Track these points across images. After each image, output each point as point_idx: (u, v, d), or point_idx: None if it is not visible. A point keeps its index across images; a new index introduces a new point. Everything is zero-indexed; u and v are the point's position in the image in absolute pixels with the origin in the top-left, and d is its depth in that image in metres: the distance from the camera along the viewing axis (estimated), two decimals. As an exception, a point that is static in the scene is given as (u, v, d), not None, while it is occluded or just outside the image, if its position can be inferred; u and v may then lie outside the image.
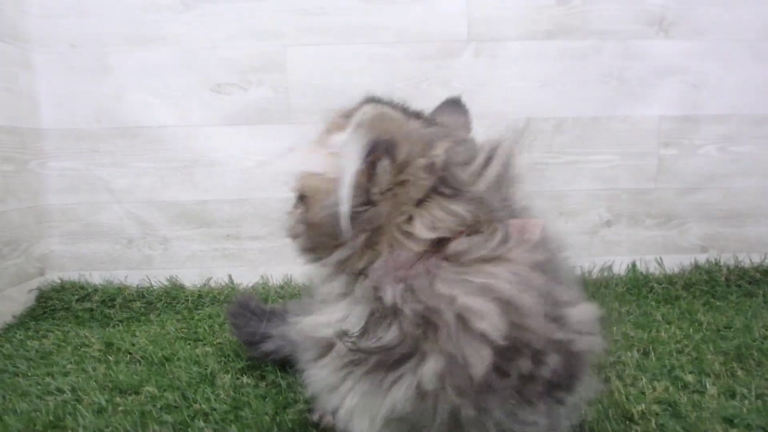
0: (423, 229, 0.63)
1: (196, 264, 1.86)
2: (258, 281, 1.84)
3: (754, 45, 1.83)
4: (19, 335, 1.52)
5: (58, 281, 1.79)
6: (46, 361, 1.35)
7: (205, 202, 1.84)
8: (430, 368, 0.61)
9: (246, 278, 1.85)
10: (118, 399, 1.14)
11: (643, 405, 1.05)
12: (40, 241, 1.78)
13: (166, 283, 1.83)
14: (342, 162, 0.64)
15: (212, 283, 1.85)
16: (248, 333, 1.26)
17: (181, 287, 1.82)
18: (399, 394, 0.63)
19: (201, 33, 1.77)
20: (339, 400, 0.69)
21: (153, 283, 1.83)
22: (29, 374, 1.27)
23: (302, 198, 0.72)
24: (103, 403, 1.12)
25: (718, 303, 1.67)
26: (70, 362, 1.33)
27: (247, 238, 1.86)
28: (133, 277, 1.84)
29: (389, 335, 0.63)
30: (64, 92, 1.78)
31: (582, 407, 0.80)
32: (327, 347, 0.70)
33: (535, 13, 1.78)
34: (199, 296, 1.76)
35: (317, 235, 0.69)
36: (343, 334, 0.66)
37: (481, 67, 1.80)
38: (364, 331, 0.65)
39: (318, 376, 0.71)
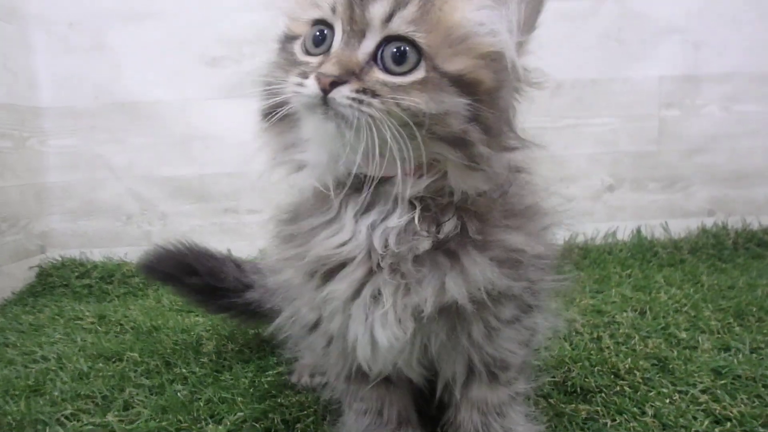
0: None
1: (195, 239, 1.78)
2: (257, 255, 1.79)
3: (758, 2, 1.72)
4: (16, 310, 1.50)
5: (59, 259, 1.76)
6: (38, 333, 1.31)
7: (202, 176, 1.79)
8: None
9: (244, 252, 1.77)
10: (100, 365, 1.10)
11: (631, 360, 0.99)
12: (40, 218, 1.75)
13: (166, 258, 1.79)
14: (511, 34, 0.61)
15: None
16: (230, 282, 1.12)
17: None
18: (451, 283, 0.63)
19: (194, 8, 1.72)
20: (362, 311, 0.66)
21: (153, 259, 1.79)
22: (18, 345, 1.23)
23: (468, 83, 0.59)
24: (85, 369, 1.08)
25: (724, 265, 1.60)
26: (61, 333, 1.29)
27: (245, 212, 1.81)
28: (132, 254, 1.79)
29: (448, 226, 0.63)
30: (62, 70, 1.74)
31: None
32: (339, 266, 0.66)
33: (529, -26, 1.68)
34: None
35: (494, 122, 0.61)
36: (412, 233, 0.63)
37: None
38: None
39: (333, 292, 0.66)
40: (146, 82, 1.75)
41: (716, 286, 1.39)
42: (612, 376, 0.95)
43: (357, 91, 0.56)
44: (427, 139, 0.58)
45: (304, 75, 0.58)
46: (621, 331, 1.14)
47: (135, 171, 1.79)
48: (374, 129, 0.56)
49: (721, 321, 1.16)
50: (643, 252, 1.69)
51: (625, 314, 1.22)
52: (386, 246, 0.63)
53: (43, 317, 1.43)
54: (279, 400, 0.92)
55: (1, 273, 1.59)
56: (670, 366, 0.97)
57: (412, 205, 0.64)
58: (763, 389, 0.88)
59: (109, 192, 1.80)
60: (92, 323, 1.36)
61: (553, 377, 0.95)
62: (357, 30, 0.58)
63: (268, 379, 1.01)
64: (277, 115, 0.63)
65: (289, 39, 0.66)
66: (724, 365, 0.95)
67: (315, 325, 0.74)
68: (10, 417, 0.89)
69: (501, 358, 0.74)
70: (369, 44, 0.58)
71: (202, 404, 0.91)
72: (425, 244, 0.63)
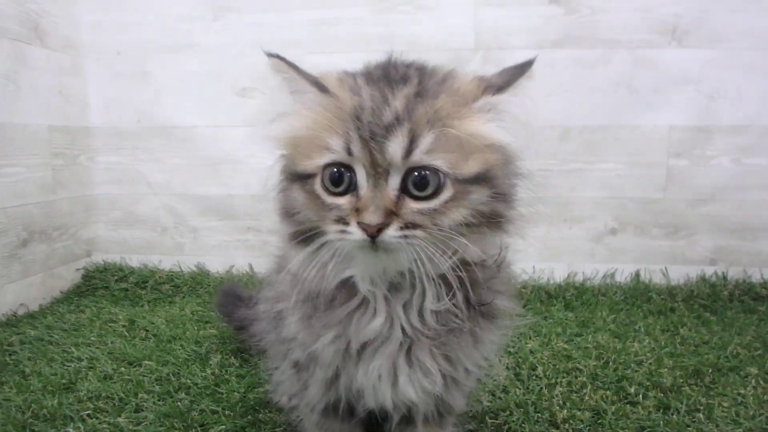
0: None
1: (221, 253, 2.08)
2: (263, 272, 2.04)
3: (775, 54, 1.80)
4: (62, 309, 1.80)
5: (102, 262, 2.07)
6: (77, 333, 1.60)
7: (230, 197, 2.05)
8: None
9: (265, 268, 2.04)
10: (123, 369, 1.35)
11: (572, 411, 1.14)
12: (87, 226, 2.06)
13: (194, 268, 2.07)
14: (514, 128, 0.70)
15: (234, 271, 2.06)
16: (237, 319, 1.43)
17: (207, 273, 2.05)
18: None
19: (228, 42, 1.97)
20: (389, 375, 0.80)
21: (183, 268, 2.06)
22: (60, 343, 1.52)
23: (485, 176, 0.68)
24: (110, 371, 1.34)
25: (711, 317, 1.69)
26: (96, 335, 1.57)
27: (266, 231, 2.05)
28: (166, 262, 2.09)
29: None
30: (109, 95, 2.04)
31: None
32: (374, 341, 0.79)
33: (543, 23, 1.84)
34: (221, 282, 1.97)
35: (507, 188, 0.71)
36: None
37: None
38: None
39: (374, 368, 0.79)
40: (183, 108, 2.03)
41: (690, 340, 1.51)
42: (547, 425, 1.10)
43: (401, 229, 0.65)
44: (466, 229, 0.68)
45: (344, 221, 0.67)
46: (579, 379, 1.28)
47: (171, 188, 2.07)
48: (423, 249, 0.66)
49: (674, 379, 1.27)
50: (636, 296, 1.81)
51: (589, 362, 1.36)
52: (424, 323, 0.76)
53: (84, 318, 1.72)
54: (259, 416, 1.14)
55: (53, 275, 1.90)
56: (604, 420, 1.11)
57: (435, 281, 0.73)
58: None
59: (147, 206, 2.09)
60: (123, 327, 1.63)
61: (496, 420, 1.12)
62: (381, 171, 0.66)
63: (256, 396, 1.22)
64: (313, 243, 0.71)
65: (300, 178, 0.72)
66: (650, 425, 1.08)
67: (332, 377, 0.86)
68: (45, 410, 1.15)
69: (450, 404, 0.91)
70: (395, 180, 0.66)
71: (196, 414, 1.14)
72: (460, 323, 0.76)
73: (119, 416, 1.13)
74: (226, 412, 1.15)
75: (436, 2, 1.88)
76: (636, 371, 1.32)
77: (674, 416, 1.13)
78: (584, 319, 1.67)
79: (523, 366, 1.35)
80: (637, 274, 1.91)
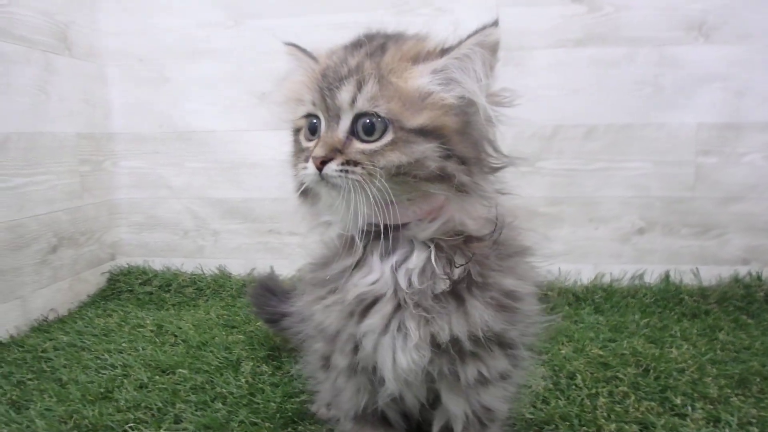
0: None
1: (242, 255, 2.09)
2: (296, 273, 2.04)
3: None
4: (90, 313, 1.83)
5: (126, 266, 2.10)
6: (107, 338, 1.62)
7: (249, 200, 2.07)
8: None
9: (286, 270, 2.04)
10: (157, 377, 1.37)
11: (616, 425, 1.11)
12: (111, 230, 2.09)
13: (216, 271, 2.08)
14: (472, 84, 0.77)
15: (255, 273, 2.07)
16: (269, 312, 1.43)
17: (228, 276, 2.06)
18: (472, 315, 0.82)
19: (247, 47, 1.98)
20: (389, 340, 0.84)
21: (205, 271, 2.08)
22: (92, 349, 1.54)
23: (433, 132, 0.75)
24: (145, 379, 1.35)
25: (749, 321, 1.67)
26: (126, 341, 1.60)
27: (286, 234, 2.06)
28: (188, 265, 2.10)
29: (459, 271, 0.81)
30: (131, 101, 2.06)
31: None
32: (372, 303, 0.84)
33: (564, 22, 1.83)
34: (243, 285, 1.99)
35: (469, 152, 0.78)
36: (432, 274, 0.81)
37: (509, 76, 1.85)
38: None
39: (370, 326, 0.84)
40: (203, 113, 2.04)
41: (731, 346, 1.48)
42: (596, 439, 1.09)
43: (342, 164, 0.75)
44: (414, 182, 0.76)
45: (306, 159, 0.78)
46: (620, 389, 1.25)
47: (191, 192, 2.09)
48: (363, 189, 0.75)
49: (721, 389, 1.24)
50: (668, 299, 1.80)
51: (628, 370, 1.34)
52: (410, 284, 0.81)
53: (112, 322, 1.75)
54: (299, 428, 1.15)
55: (80, 279, 1.93)
56: None
57: (428, 247, 0.81)
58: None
59: (168, 209, 2.11)
60: (151, 332, 1.66)
61: (540, 434, 1.12)
62: (333, 115, 0.78)
63: (293, 406, 1.23)
64: (302, 191, 0.85)
65: (295, 131, 0.87)
66: None
67: (348, 367, 0.92)
68: (87, 420, 1.17)
69: (490, 409, 0.92)
70: (344, 124, 0.77)
71: (236, 425, 1.15)
72: (443, 285, 0.81)
73: (160, 428, 1.15)
74: (266, 424, 1.16)
75: (456, 4, 1.88)
76: (678, 380, 1.29)
77: (726, 430, 1.10)
78: (616, 323, 1.66)
79: (561, 374, 1.34)
80: (667, 275, 1.90)
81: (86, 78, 1.94)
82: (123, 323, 1.73)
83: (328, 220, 0.87)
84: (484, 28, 0.78)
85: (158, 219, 2.12)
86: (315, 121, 0.81)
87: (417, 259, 0.82)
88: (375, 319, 0.83)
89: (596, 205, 1.91)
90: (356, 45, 0.82)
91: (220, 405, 1.24)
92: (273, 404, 1.24)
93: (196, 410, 1.22)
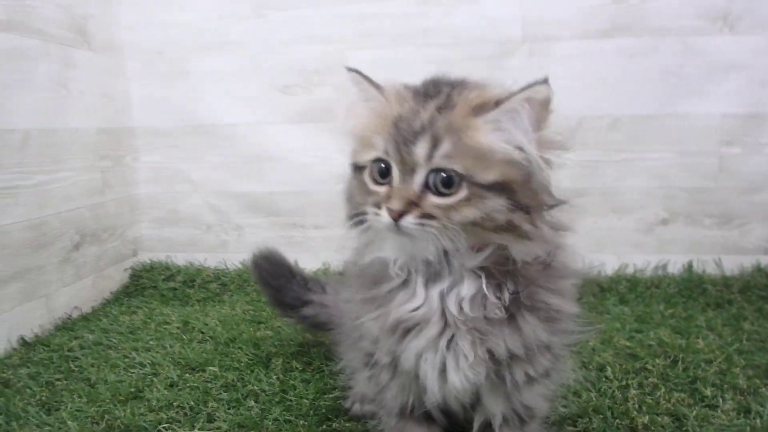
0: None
1: (266, 250, 2.04)
2: (320, 267, 2.00)
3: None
4: (114, 311, 1.78)
5: (149, 261, 2.05)
6: (134, 336, 1.57)
7: (272, 194, 2.01)
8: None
9: (310, 264, 2.00)
10: (187, 375, 1.32)
11: (649, 417, 1.09)
12: (133, 226, 2.04)
13: (239, 266, 2.03)
14: (523, 137, 0.76)
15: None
16: (291, 297, 1.38)
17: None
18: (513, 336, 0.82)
19: (269, 39, 1.92)
20: (436, 357, 0.84)
21: (228, 266, 2.03)
22: (119, 347, 1.49)
23: (502, 186, 0.75)
24: (175, 378, 1.31)
25: None
26: (153, 338, 1.55)
27: (310, 227, 2.02)
28: (211, 260, 2.06)
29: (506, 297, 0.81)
30: (151, 95, 2.00)
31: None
32: (415, 325, 0.84)
33: (590, 13, 1.77)
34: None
35: (532, 202, 0.78)
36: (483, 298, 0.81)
37: (535, 67, 1.81)
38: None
39: (413, 348, 0.84)
40: (224, 106, 1.98)
41: (756, 335, 1.45)
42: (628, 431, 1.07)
43: (418, 217, 0.75)
44: (481, 232, 0.77)
45: (378, 205, 0.77)
46: (649, 380, 1.23)
47: (212, 186, 2.03)
48: (436, 238, 0.76)
49: (749, 379, 1.22)
50: (691, 288, 1.76)
51: (657, 361, 1.31)
52: (460, 310, 0.81)
53: (137, 319, 1.70)
54: (334, 425, 1.11)
55: (103, 276, 1.88)
56: (687, 426, 1.06)
57: (476, 273, 0.81)
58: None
59: (189, 203, 2.05)
60: (178, 329, 1.61)
61: (575, 427, 1.08)
62: (408, 168, 0.76)
63: (326, 402, 1.19)
64: (361, 224, 0.82)
65: (357, 167, 0.84)
66: (737, 431, 1.04)
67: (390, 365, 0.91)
68: (119, 421, 1.12)
69: (531, 407, 0.91)
70: (419, 178, 0.76)
71: (270, 423, 1.11)
72: (498, 312, 0.81)
73: (194, 427, 1.11)
74: (300, 422, 1.11)
75: (479, -7, 1.82)
76: (707, 371, 1.27)
77: (757, 421, 1.07)
78: (641, 314, 1.62)
79: (590, 366, 1.30)
80: (690, 265, 1.85)
81: (105, 72, 1.88)
82: (148, 320, 1.68)
83: (383, 255, 0.85)
84: (534, 84, 0.76)
85: (180, 214, 2.06)
86: (384, 165, 0.79)
87: (468, 288, 0.81)
88: (419, 342, 0.83)
89: (619, 195, 1.86)
90: (426, 95, 0.80)
91: (252, 403, 1.19)
92: (306, 401, 1.20)
93: (228, 408, 1.18)
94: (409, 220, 0.75)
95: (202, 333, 1.58)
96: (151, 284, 1.96)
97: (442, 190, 0.75)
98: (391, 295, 0.85)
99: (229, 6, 1.91)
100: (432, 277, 0.83)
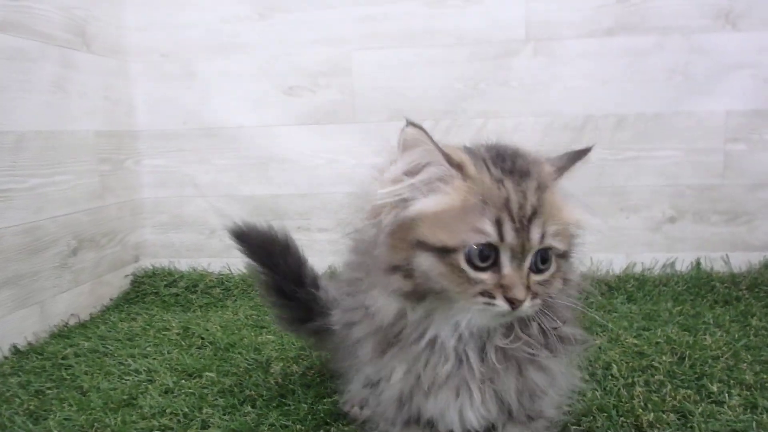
0: None
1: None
2: (326, 270, 1.92)
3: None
4: (113, 317, 1.70)
5: (150, 267, 1.98)
6: (132, 343, 1.50)
7: (278, 197, 1.94)
8: None
9: (316, 267, 1.93)
10: (183, 381, 1.25)
11: (654, 415, 1.02)
12: (135, 231, 1.97)
13: (244, 270, 1.95)
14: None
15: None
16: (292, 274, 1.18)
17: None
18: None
19: (275, 41, 1.86)
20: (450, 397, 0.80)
21: (233, 271, 1.96)
22: (115, 354, 1.42)
23: (568, 252, 0.76)
24: (171, 384, 1.23)
25: None
26: (151, 345, 1.47)
27: (316, 230, 1.94)
28: (215, 265, 1.98)
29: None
30: (155, 97, 1.94)
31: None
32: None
33: (594, 12, 1.71)
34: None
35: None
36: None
37: (540, 67, 1.76)
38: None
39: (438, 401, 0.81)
40: (229, 108, 1.92)
41: (764, 331, 1.38)
42: (633, 430, 0.99)
43: (531, 299, 0.72)
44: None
45: (488, 294, 0.71)
46: (656, 377, 1.16)
47: (217, 189, 1.96)
48: (535, 313, 0.75)
49: (756, 375, 1.16)
50: (699, 286, 1.68)
51: (663, 358, 1.24)
52: (482, 361, 0.78)
53: (136, 326, 1.62)
54: (332, 429, 1.03)
55: (102, 282, 1.80)
56: (692, 423, 0.99)
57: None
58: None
59: (194, 208, 1.99)
60: (177, 335, 1.53)
61: (579, 426, 1.01)
62: (522, 252, 0.71)
63: (325, 407, 1.11)
64: (425, 298, 0.74)
65: (443, 250, 0.71)
66: (743, 428, 0.97)
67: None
68: (109, 429, 1.05)
69: (539, 409, 0.87)
70: (529, 260, 0.72)
71: (266, 428, 1.03)
72: (535, 350, 0.78)
73: (187, 434, 1.04)
74: (297, 426, 1.04)
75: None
76: (714, 367, 1.20)
77: (764, 416, 1.00)
78: (649, 312, 1.54)
79: (596, 365, 1.23)
80: (698, 263, 1.77)
81: (107, 74, 1.82)
82: (148, 327, 1.60)
83: (436, 332, 0.78)
84: (586, 150, 0.80)
85: (184, 218, 2.00)
86: (486, 250, 0.71)
87: (500, 338, 0.78)
88: (447, 393, 0.80)
89: (627, 194, 1.79)
90: (516, 171, 0.74)
91: (249, 408, 1.12)
92: (304, 405, 1.12)
93: (224, 414, 1.10)
94: (527, 305, 0.71)
95: (202, 339, 1.50)
96: (152, 290, 1.88)
97: (540, 266, 0.73)
98: (419, 356, 0.79)
99: (235, 8, 1.86)
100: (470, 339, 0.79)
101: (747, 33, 1.67)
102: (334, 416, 1.09)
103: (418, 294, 0.74)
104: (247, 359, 1.35)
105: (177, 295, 1.86)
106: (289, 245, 1.19)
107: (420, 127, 0.71)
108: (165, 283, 1.90)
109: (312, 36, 1.84)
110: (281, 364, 1.32)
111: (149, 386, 1.23)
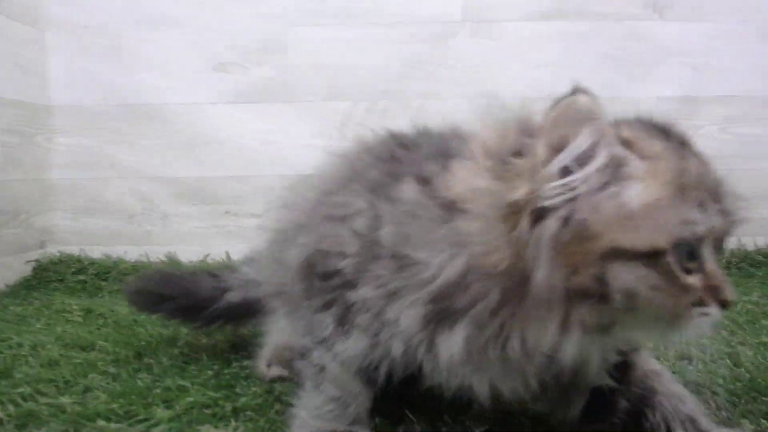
0: None
1: (195, 240, 1.77)
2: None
3: (760, 26, 1.68)
4: (6, 302, 1.44)
5: (58, 254, 1.72)
6: (21, 323, 1.26)
7: (205, 179, 1.76)
8: None
9: (243, 255, 1.75)
10: (73, 353, 1.04)
11: None
12: (42, 214, 1.72)
13: (164, 258, 1.74)
14: None
15: (209, 260, 1.73)
16: (202, 297, 1.04)
17: (178, 263, 1.72)
18: None
19: (206, 16, 1.71)
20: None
21: (151, 258, 1.74)
22: (-1, 332, 1.18)
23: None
24: (57, 356, 1.01)
25: None
26: (42, 324, 1.24)
27: (246, 216, 1.76)
28: (132, 253, 1.76)
29: None
30: (75, 71, 1.73)
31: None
32: None
33: (531, -5, 1.67)
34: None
35: None
36: None
37: (477, 48, 1.69)
38: None
39: None
40: (156, 84, 1.74)
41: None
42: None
43: None
44: None
45: (701, 302, 0.55)
46: None
47: (139, 171, 1.76)
48: None
49: None
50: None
51: None
52: None
53: (31, 309, 1.37)
54: (236, 390, 0.86)
55: (-1, 264, 1.55)
56: None
57: None
58: None
59: (112, 191, 1.77)
60: (79, 316, 1.30)
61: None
62: (722, 240, 0.58)
63: (233, 371, 0.94)
64: (614, 326, 0.57)
65: (654, 254, 0.54)
66: None
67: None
68: (-29, 396, 0.83)
69: None
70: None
71: (159, 391, 0.84)
72: None
73: (62, 397, 0.82)
74: (196, 389, 0.85)
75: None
76: None
77: None
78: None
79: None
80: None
81: (20, 42, 1.61)
82: (44, 308, 1.36)
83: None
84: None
85: (100, 202, 1.76)
86: (695, 245, 0.55)
87: None
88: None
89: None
90: (683, 143, 0.62)
91: (144, 375, 0.93)
92: (209, 371, 0.94)
93: (113, 380, 0.90)
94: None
95: (105, 318, 1.29)
96: (57, 277, 1.62)
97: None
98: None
99: (165, -21, 1.70)
100: None
101: (675, 22, 1.67)
102: (240, 378, 0.92)
103: (610, 323, 0.56)
104: (151, 333, 1.15)
105: (85, 281, 1.62)
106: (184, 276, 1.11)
107: (594, 96, 0.55)
108: (72, 270, 1.65)
109: (247, 11, 1.71)
110: (190, 337, 1.13)
111: (30, 358, 1.01)
